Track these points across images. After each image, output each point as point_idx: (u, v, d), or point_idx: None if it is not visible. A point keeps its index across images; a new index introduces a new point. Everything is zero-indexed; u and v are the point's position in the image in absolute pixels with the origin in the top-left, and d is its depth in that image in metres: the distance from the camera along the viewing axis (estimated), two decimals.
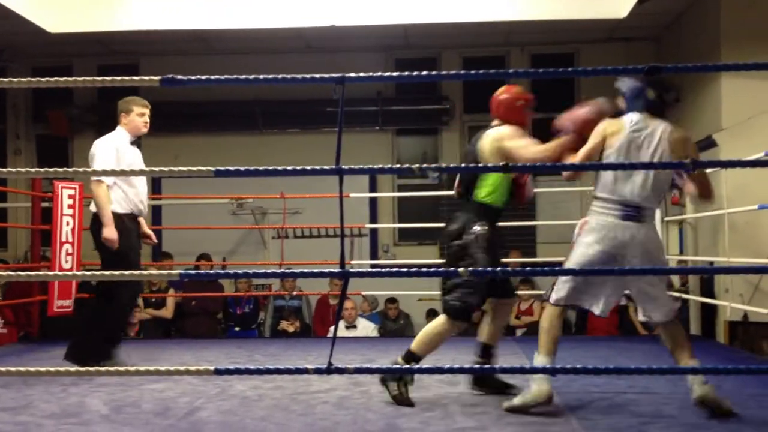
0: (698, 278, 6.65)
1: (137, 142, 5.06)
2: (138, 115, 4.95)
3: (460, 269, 2.80)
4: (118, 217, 4.78)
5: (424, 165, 2.56)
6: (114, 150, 4.82)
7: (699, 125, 7.80)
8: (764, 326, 6.53)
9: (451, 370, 2.71)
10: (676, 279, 7.15)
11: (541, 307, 7.95)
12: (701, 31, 7.72)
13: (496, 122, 4.16)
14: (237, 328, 8.13)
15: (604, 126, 3.67)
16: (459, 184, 4.08)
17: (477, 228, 3.88)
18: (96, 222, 4.79)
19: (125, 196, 4.87)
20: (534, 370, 3.56)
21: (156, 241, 5.33)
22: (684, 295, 6.75)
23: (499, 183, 3.97)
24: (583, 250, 3.65)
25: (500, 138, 3.98)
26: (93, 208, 4.84)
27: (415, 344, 3.91)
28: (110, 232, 4.70)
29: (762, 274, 6.23)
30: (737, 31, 7.07)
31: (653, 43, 9.20)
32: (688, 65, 2.53)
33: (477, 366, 4.09)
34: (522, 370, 3.59)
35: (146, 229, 5.15)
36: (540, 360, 3.61)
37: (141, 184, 5.01)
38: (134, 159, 4.94)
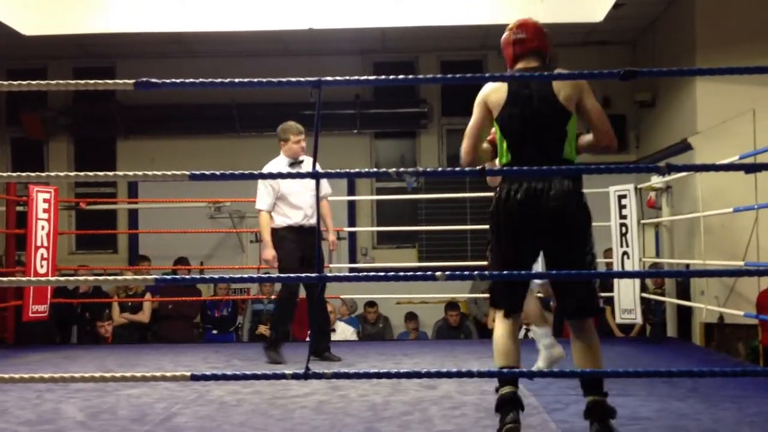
0: (674, 281, 6.70)
1: (298, 163, 5.50)
2: (294, 143, 5.45)
3: (437, 273, 2.74)
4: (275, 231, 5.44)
5: (402, 169, 2.55)
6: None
7: (674, 129, 7.87)
8: (739, 328, 6.60)
9: (429, 374, 2.71)
10: (649, 282, 7.19)
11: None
12: (676, 35, 7.79)
13: (535, 62, 3.34)
14: (215, 331, 8.09)
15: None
16: (537, 136, 3.13)
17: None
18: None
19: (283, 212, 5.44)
20: (514, 374, 3.56)
21: (334, 246, 5.74)
22: (660, 298, 6.80)
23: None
24: None
25: (583, 86, 3.24)
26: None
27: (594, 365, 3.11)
28: (266, 254, 5.41)
29: (737, 277, 6.29)
30: (712, 36, 7.14)
31: (628, 47, 9.27)
32: (663, 69, 2.54)
33: (454, 370, 4.07)
34: (500, 374, 3.58)
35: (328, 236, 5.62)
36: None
37: (302, 199, 5.40)
38: (290, 182, 5.39)
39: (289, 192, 5.37)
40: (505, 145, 3.19)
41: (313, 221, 5.36)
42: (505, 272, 3.10)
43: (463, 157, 3.26)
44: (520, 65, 3.31)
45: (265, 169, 5.30)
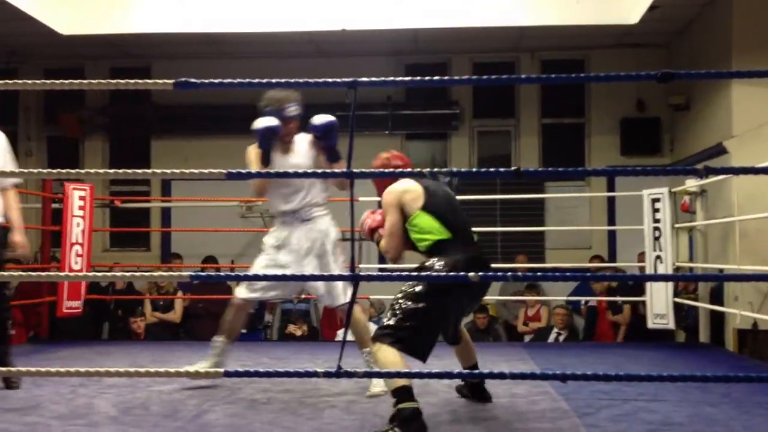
0: (708, 286, 6.62)
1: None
2: None
3: (470, 274, 2.78)
4: None
5: (435, 169, 2.55)
6: None
7: (710, 132, 7.78)
8: None
9: (460, 375, 2.70)
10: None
11: (548, 312, 7.95)
12: (712, 37, 7.70)
13: None
14: (243, 330, 8.13)
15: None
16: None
17: None
18: None
19: None
20: (546, 377, 3.55)
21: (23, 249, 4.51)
22: (693, 303, 6.73)
23: None
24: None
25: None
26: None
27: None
28: None
29: None
30: (748, 38, 7.05)
31: (663, 50, 9.18)
32: (699, 72, 2.52)
33: (486, 372, 4.07)
34: (532, 376, 3.57)
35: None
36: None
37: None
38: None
39: None
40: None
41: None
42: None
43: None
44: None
45: None
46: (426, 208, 3.68)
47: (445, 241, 3.65)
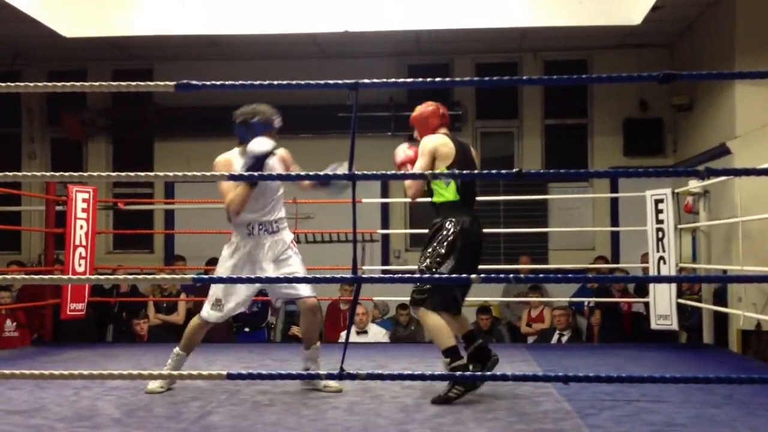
0: (711, 286, 6.61)
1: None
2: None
3: (473, 276, 2.79)
4: None
5: (437, 171, 2.55)
6: None
7: (713, 133, 7.77)
8: None
9: (462, 377, 2.70)
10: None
11: (551, 313, 7.94)
12: (715, 38, 7.69)
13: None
14: (247, 329, 8.13)
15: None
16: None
17: None
18: None
19: None
20: (548, 378, 3.55)
21: None
22: (697, 304, 6.72)
23: None
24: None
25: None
26: None
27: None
28: None
29: None
30: (752, 38, 7.04)
31: (666, 50, 9.17)
32: (702, 72, 2.51)
33: (488, 373, 4.08)
34: (535, 378, 3.57)
35: None
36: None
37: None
38: None
39: None
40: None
41: None
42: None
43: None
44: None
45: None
46: (452, 167, 4.15)
47: (456, 202, 4.19)
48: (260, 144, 4.19)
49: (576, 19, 7.60)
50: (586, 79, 3.15)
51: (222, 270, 4.37)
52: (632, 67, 8.76)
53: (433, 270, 4.07)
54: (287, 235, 4.43)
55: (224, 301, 4.32)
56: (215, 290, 4.35)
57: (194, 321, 4.47)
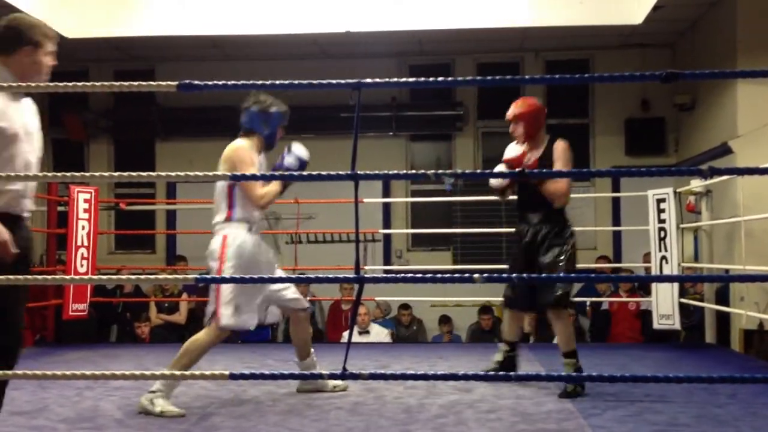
0: (713, 286, 6.60)
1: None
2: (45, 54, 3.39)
3: (475, 275, 2.77)
4: None
5: (440, 171, 2.55)
6: None
7: (714, 132, 7.77)
8: None
9: (465, 377, 2.70)
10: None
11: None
12: (717, 37, 7.69)
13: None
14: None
15: None
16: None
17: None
18: None
19: None
20: (551, 378, 3.55)
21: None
22: (699, 303, 6.71)
23: None
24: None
25: None
26: None
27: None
28: None
29: None
30: (753, 38, 7.03)
31: (668, 50, 9.17)
32: (704, 72, 2.51)
33: (491, 374, 4.08)
34: (538, 377, 3.57)
35: None
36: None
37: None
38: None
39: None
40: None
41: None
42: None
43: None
44: None
45: None
46: None
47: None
48: (303, 149, 4.16)
49: (577, 18, 7.59)
50: (587, 79, 3.14)
51: (236, 270, 4.25)
52: (634, 66, 8.75)
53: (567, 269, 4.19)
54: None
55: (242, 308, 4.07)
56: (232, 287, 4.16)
57: (212, 333, 4.11)
